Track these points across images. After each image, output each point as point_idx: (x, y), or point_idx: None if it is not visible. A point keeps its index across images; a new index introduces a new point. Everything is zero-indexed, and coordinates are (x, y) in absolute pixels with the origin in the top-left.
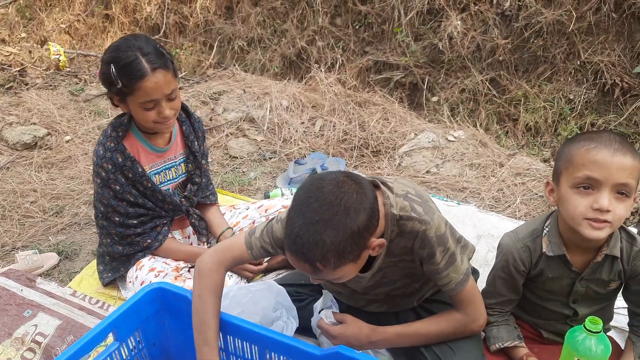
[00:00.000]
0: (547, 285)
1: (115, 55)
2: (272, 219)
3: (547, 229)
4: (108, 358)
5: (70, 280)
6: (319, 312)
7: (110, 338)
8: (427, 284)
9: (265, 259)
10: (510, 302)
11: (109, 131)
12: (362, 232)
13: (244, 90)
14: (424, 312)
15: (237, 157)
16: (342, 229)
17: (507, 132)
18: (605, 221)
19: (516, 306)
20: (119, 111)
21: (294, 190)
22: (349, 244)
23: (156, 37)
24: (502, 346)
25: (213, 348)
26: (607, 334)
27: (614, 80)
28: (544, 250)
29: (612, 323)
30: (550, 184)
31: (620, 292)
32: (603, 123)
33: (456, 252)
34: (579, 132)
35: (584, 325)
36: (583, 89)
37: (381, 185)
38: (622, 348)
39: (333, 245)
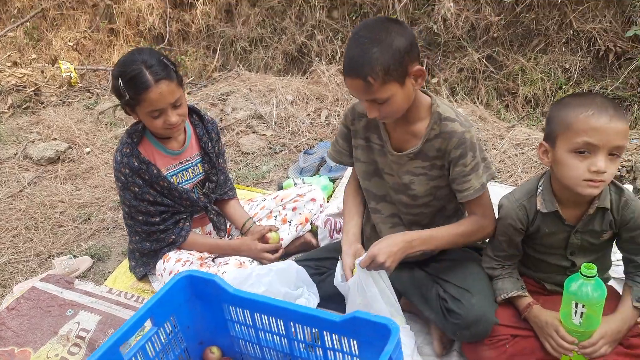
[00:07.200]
0: (544, 240)
1: (122, 69)
2: None
3: (540, 188)
4: (149, 342)
5: (105, 279)
6: (355, 262)
7: (148, 324)
8: (443, 213)
9: (283, 246)
10: (511, 257)
11: (125, 138)
12: (403, 53)
13: (249, 89)
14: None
15: (249, 153)
16: (386, 45)
17: (507, 106)
18: (602, 181)
19: (520, 263)
20: (133, 120)
21: (306, 179)
22: (392, 60)
23: (161, 45)
24: (507, 296)
25: (347, 235)
26: (608, 283)
27: (608, 45)
28: (538, 207)
29: (612, 274)
30: (543, 145)
31: (615, 242)
32: (600, 88)
33: (480, 164)
34: None
35: (580, 272)
36: (578, 57)
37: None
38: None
39: (379, 60)
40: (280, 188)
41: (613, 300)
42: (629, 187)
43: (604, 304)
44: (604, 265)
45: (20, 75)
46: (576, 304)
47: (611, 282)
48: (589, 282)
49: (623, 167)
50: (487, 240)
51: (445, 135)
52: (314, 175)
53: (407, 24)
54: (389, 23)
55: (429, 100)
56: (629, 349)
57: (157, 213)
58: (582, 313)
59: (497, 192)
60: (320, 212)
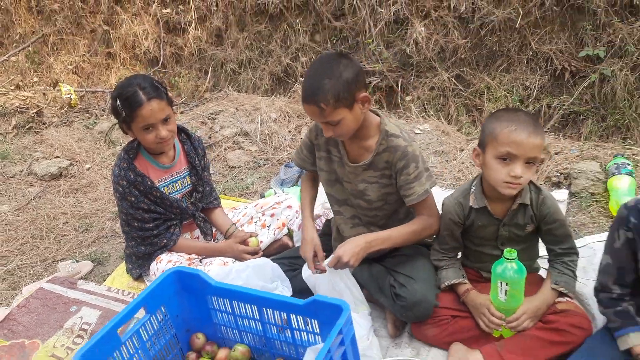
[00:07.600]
0: (478, 232)
1: (120, 91)
2: None
3: (474, 188)
4: (143, 327)
5: (105, 280)
6: (324, 263)
7: (142, 312)
8: (396, 216)
9: (262, 248)
10: (454, 249)
11: (122, 154)
12: (351, 82)
13: (237, 109)
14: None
15: (236, 167)
16: (336, 76)
17: (474, 121)
18: (518, 184)
19: (462, 256)
20: (130, 138)
21: (286, 189)
22: (342, 89)
23: (155, 68)
24: (449, 283)
25: (306, 218)
26: (538, 273)
27: (563, 65)
28: (471, 204)
29: (543, 265)
30: (476, 149)
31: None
32: (558, 104)
33: (423, 173)
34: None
35: (503, 256)
36: (537, 75)
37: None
38: None
39: (330, 90)
40: (263, 197)
41: (538, 285)
42: (564, 192)
43: (524, 283)
44: (531, 256)
45: (23, 98)
46: (501, 283)
47: (541, 272)
48: (510, 264)
49: (561, 174)
50: (434, 237)
51: (391, 149)
52: (294, 185)
53: (383, 47)
54: (339, 57)
55: (378, 120)
56: (546, 324)
57: (151, 220)
58: (506, 291)
59: None
60: (296, 217)
